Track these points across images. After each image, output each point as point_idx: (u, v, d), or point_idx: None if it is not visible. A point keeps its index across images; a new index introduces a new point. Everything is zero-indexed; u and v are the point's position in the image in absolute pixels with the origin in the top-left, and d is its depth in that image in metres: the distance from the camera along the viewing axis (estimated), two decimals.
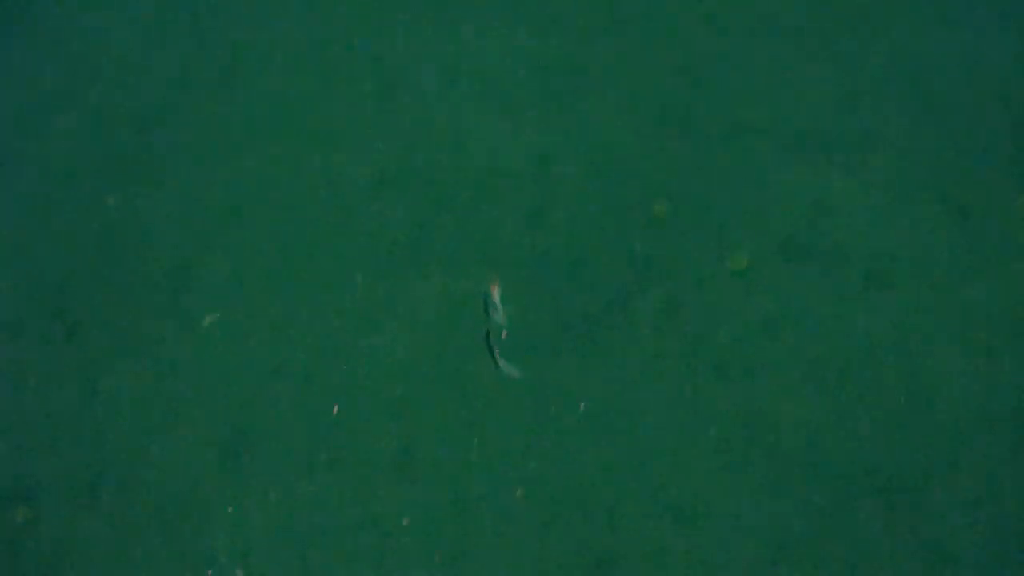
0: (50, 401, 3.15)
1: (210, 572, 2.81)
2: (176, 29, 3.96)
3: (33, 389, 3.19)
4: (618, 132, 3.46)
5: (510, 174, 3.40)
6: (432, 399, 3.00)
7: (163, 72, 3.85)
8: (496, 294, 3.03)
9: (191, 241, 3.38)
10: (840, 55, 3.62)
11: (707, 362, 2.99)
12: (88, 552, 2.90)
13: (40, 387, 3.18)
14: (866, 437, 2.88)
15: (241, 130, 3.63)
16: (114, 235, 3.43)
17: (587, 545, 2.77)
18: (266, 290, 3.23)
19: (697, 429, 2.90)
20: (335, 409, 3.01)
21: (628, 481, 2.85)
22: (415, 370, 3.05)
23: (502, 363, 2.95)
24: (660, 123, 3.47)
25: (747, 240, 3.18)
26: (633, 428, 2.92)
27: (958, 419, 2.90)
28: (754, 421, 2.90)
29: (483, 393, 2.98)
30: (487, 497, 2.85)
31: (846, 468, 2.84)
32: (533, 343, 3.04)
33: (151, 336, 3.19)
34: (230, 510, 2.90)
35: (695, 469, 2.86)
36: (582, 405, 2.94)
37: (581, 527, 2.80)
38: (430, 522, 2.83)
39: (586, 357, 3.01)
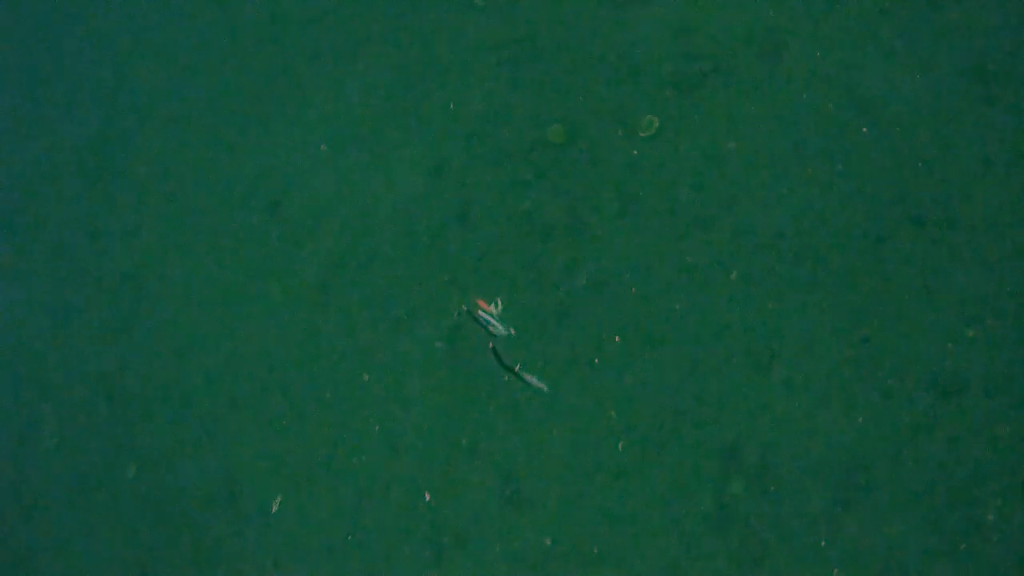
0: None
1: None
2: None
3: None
4: (476, 77, 3.42)
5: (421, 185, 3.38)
6: (444, 384, 2.99)
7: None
8: (491, 308, 3.01)
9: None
10: None
11: (690, 219, 2.97)
12: None
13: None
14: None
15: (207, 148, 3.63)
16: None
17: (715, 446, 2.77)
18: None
19: (721, 277, 2.88)
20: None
21: (670, 390, 2.84)
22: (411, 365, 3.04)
23: (528, 377, 2.92)
24: (515, 62, 3.43)
25: (642, 105, 3.15)
26: (670, 313, 2.90)
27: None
28: (761, 241, 2.88)
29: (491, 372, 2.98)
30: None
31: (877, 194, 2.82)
32: (524, 314, 3.02)
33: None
34: None
35: (745, 313, 2.84)
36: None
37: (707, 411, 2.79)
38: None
39: (566, 283, 3.00)
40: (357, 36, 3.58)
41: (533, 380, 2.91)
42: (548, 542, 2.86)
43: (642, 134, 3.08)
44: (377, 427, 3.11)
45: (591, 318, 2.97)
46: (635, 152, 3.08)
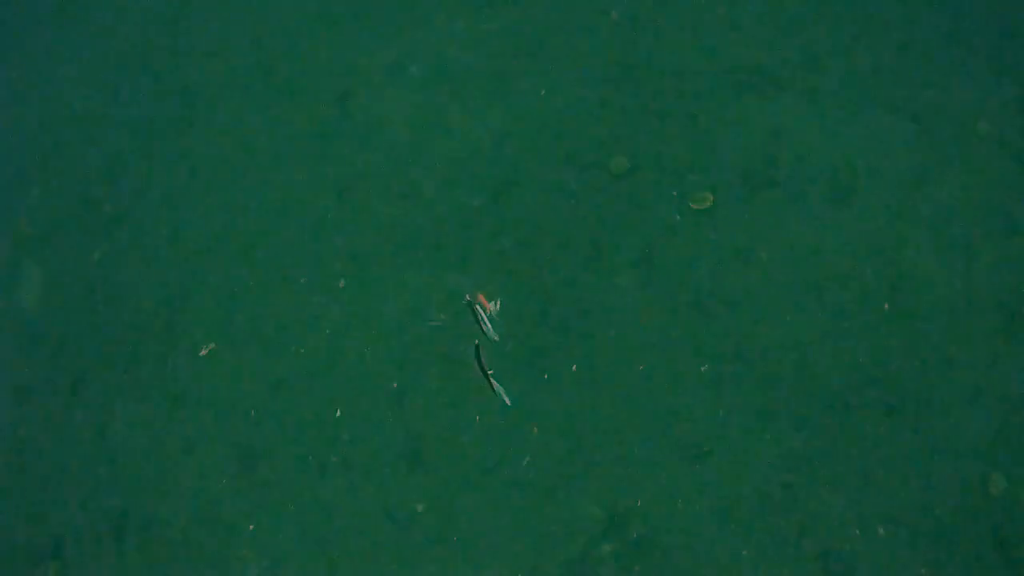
0: (64, 453, 3.22)
1: None
2: (134, 78, 4.02)
3: (46, 444, 3.26)
4: (567, 96, 3.50)
5: (472, 157, 3.44)
6: (429, 384, 3.05)
7: (124, 118, 3.91)
8: (490, 308, 3.05)
9: (176, 277, 3.44)
10: None
11: (689, 302, 3.03)
12: None
13: (53, 441, 3.26)
14: (855, 348, 2.92)
15: (206, 162, 3.69)
16: (103, 285, 3.49)
17: (599, 499, 2.82)
18: (255, 311, 3.29)
19: (690, 368, 2.95)
20: (338, 412, 3.07)
21: (630, 431, 2.90)
22: (408, 361, 3.10)
23: (496, 385, 2.97)
24: (606, 80, 3.50)
25: (707, 178, 3.21)
26: (628, 379, 2.96)
27: (943, 315, 2.94)
28: (743, 351, 2.94)
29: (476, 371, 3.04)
30: (497, 468, 2.91)
31: (840, 381, 2.88)
32: (519, 312, 3.08)
33: (152, 373, 3.25)
34: (251, 527, 2.97)
35: (694, 407, 2.90)
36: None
37: (592, 482, 2.85)
38: (443, 505, 2.89)
39: (571, 318, 3.06)
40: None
41: (500, 391, 2.97)
42: (419, 508, 2.92)
43: (692, 205, 3.15)
44: (327, 331, 3.18)
45: (562, 338, 3.03)
46: (678, 217, 3.15)
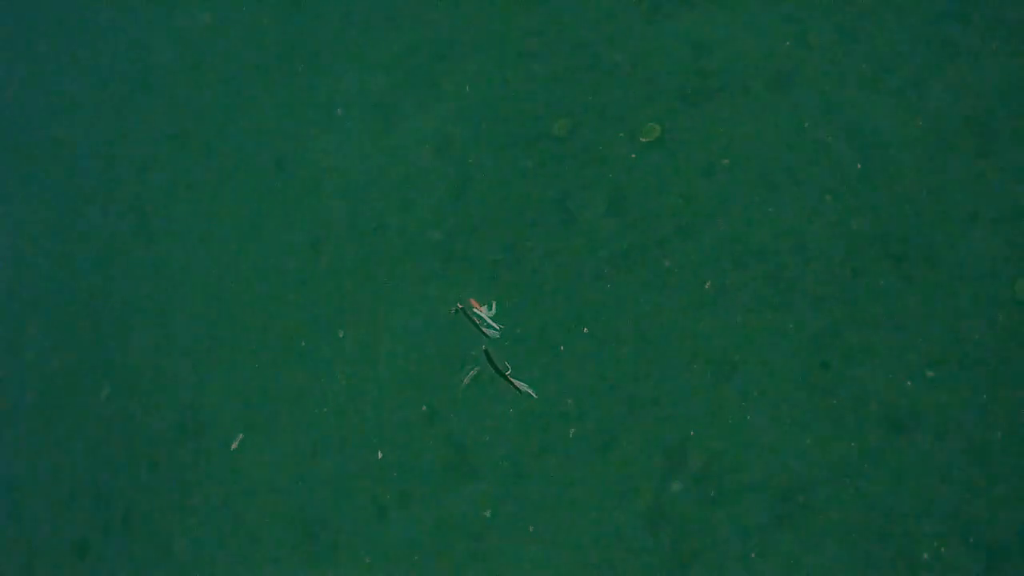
0: None
1: None
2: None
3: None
4: (493, 82, 3.52)
5: (420, 171, 3.47)
6: (455, 395, 3.06)
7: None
8: (483, 310, 3.06)
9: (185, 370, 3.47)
10: None
11: (671, 230, 3.03)
12: None
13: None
14: (843, 215, 2.91)
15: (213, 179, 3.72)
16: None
17: (652, 444, 2.81)
18: (267, 388, 3.32)
19: (693, 290, 2.94)
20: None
21: (657, 370, 2.89)
22: (428, 382, 3.11)
23: (517, 383, 2.98)
24: (523, 55, 3.52)
25: (649, 111, 3.22)
26: (638, 322, 2.96)
27: (914, 152, 2.92)
28: (739, 256, 2.94)
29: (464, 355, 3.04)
30: (546, 451, 2.90)
31: (840, 250, 2.87)
32: (513, 299, 3.09)
33: (185, 471, 3.28)
34: None
35: (710, 325, 2.89)
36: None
37: (639, 431, 2.84)
38: (508, 504, 2.88)
39: (564, 286, 3.06)
40: (386, 10, 3.70)
41: (523, 386, 2.97)
42: (487, 514, 2.91)
43: (642, 139, 3.16)
44: (343, 382, 3.20)
45: (564, 307, 3.03)
46: (633, 156, 3.16)
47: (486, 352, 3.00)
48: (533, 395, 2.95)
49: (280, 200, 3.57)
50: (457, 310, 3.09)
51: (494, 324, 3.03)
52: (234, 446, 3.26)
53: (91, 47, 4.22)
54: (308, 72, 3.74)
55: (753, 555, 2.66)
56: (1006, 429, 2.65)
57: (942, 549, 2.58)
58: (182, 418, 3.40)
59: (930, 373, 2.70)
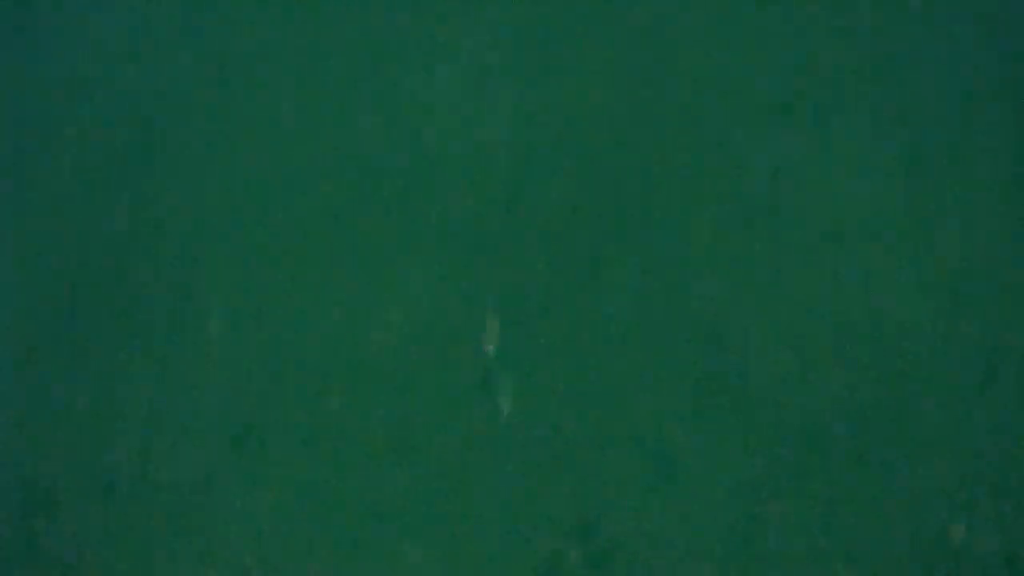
0: (59, 404, 3.33)
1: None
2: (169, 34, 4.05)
3: (41, 394, 3.36)
4: (588, 105, 3.53)
5: (487, 151, 3.49)
6: (425, 379, 3.14)
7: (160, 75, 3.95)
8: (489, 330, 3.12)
9: (195, 242, 3.50)
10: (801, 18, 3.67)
11: (684, 327, 3.11)
12: (104, 550, 3.09)
13: (49, 392, 3.36)
14: (836, 389, 3.01)
15: (235, 132, 3.72)
16: (121, 242, 3.56)
17: (571, 503, 2.93)
18: (266, 287, 3.37)
19: (674, 388, 3.04)
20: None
21: (613, 441, 3.00)
22: (410, 353, 3.18)
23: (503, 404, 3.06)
24: (628, 95, 3.54)
25: (712, 208, 3.27)
26: (616, 386, 3.05)
27: (924, 363, 3.02)
28: (727, 378, 3.04)
29: (472, 371, 3.12)
30: (480, 469, 3.01)
31: (817, 419, 2.98)
32: (520, 310, 3.16)
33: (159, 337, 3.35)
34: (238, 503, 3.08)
35: (673, 424, 3.00)
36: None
37: (566, 487, 2.95)
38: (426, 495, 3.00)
39: (569, 320, 3.14)
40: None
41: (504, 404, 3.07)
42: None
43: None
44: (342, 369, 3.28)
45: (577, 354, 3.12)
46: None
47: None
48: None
49: (304, 173, 3.59)
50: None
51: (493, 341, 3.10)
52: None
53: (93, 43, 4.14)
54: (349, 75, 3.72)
55: None
56: None
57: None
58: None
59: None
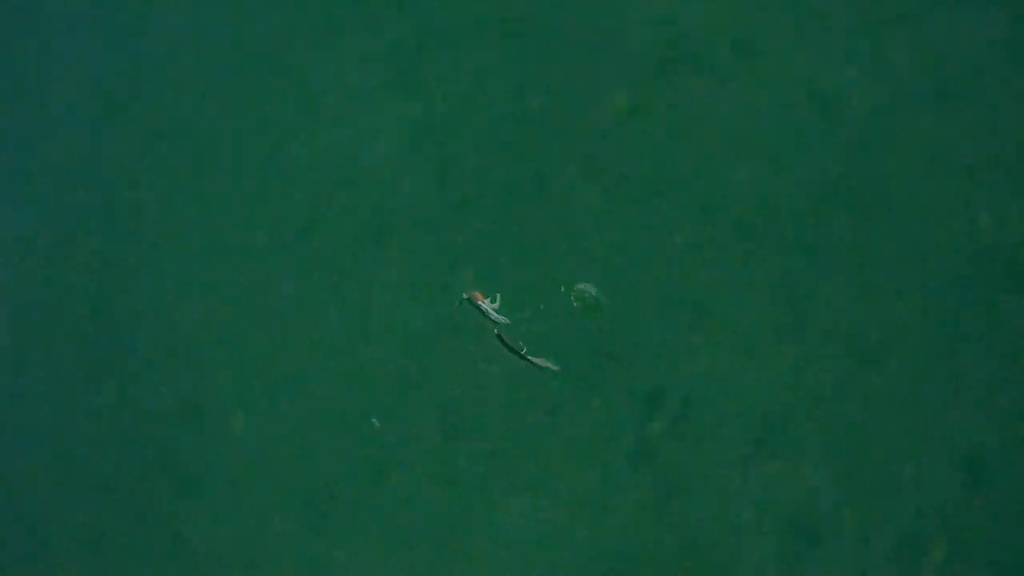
0: None
1: None
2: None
3: None
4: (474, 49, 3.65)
5: (412, 150, 3.61)
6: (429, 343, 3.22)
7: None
8: (486, 301, 3.16)
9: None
10: None
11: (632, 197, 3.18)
12: None
13: None
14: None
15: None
16: None
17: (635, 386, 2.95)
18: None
19: (672, 241, 3.09)
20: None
21: (645, 312, 3.03)
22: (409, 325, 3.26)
23: (536, 360, 3.08)
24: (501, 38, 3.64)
25: (620, 83, 3.36)
26: (624, 264, 3.10)
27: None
28: (713, 205, 3.08)
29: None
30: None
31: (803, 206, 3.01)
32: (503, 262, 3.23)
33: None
34: None
35: (686, 273, 3.04)
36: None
37: (620, 376, 2.98)
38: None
39: (523, 235, 3.21)
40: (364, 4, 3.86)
41: (541, 361, 3.08)
42: (480, 469, 3.05)
43: (615, 111, 3.31)
44: (338, 359, 3.34)
45: (544, 267, 3.17)
46: (606, 126, 3.30)
47: (499, 337, 3.12)
48: (556, 368, 3.07)
49: (273, 186, 3.70)
50: (462, 301, 3.19)
51: (500, 316, 3.13)
52: (236, 426, 3.39)
53: (78, 54, 4.35)
54: (293, 67, 3.90)
55: (733, 483, 2.79)
56: (971, 353, 2.79)
57: (922, 467, 2.71)
58: (183, 405, 3.54)
59: (895, 305, 2.84)
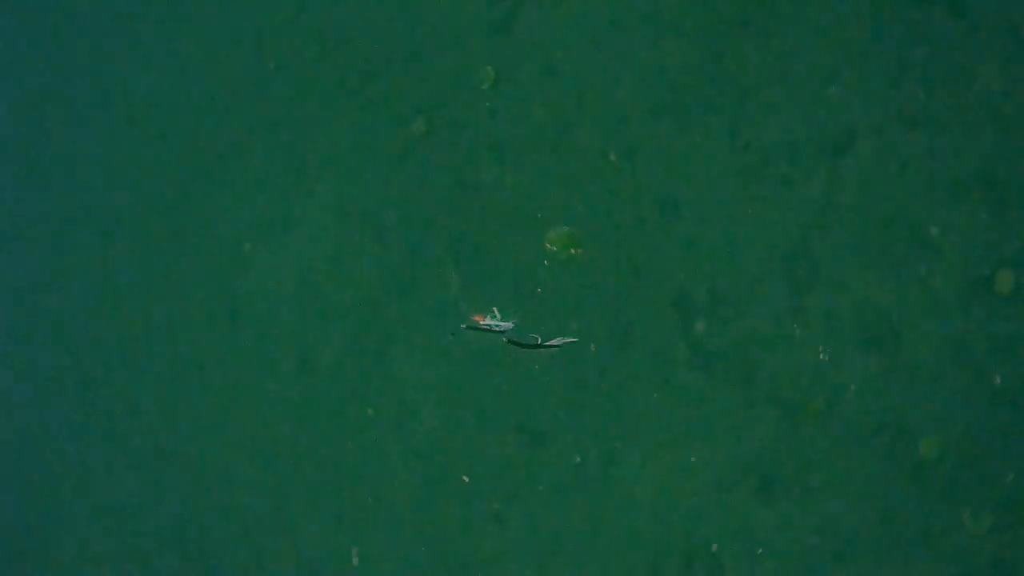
0: None
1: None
2: None
3: None
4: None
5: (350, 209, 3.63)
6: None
7: None
8: (487, 320, 3.16)
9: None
10: None
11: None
12: None
13: None
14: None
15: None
16: None
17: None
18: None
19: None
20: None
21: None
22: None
23: (555, 342, 3.08)
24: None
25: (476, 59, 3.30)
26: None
27: None
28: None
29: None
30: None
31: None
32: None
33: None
34: None
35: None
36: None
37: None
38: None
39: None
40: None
41: (560, 340, 3.09)
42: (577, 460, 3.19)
43: (483, 86, 3.27)
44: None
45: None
46: (487, 104, 3.27)
47: (511, 342, 3.13)
48: (573, 340, 3.06)
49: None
50: (465, 328, 3.21)
51: (503, 323, 3.15)
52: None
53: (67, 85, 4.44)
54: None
55: None
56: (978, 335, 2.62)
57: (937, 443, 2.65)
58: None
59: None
